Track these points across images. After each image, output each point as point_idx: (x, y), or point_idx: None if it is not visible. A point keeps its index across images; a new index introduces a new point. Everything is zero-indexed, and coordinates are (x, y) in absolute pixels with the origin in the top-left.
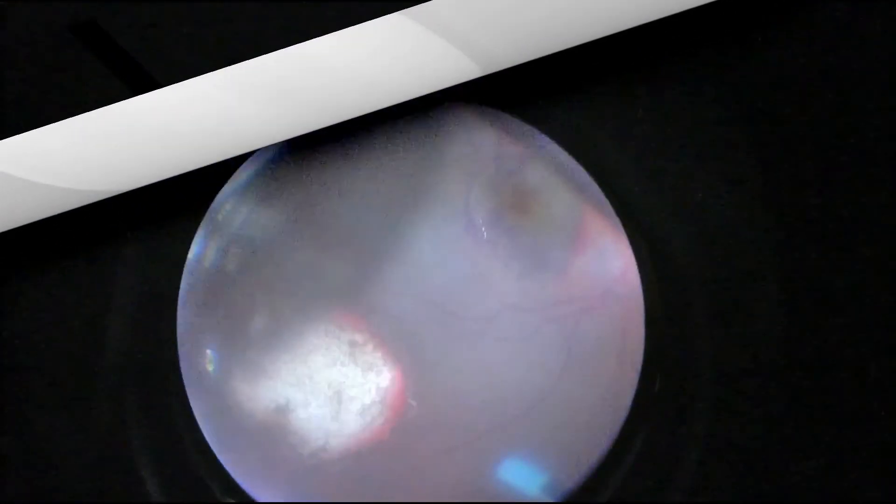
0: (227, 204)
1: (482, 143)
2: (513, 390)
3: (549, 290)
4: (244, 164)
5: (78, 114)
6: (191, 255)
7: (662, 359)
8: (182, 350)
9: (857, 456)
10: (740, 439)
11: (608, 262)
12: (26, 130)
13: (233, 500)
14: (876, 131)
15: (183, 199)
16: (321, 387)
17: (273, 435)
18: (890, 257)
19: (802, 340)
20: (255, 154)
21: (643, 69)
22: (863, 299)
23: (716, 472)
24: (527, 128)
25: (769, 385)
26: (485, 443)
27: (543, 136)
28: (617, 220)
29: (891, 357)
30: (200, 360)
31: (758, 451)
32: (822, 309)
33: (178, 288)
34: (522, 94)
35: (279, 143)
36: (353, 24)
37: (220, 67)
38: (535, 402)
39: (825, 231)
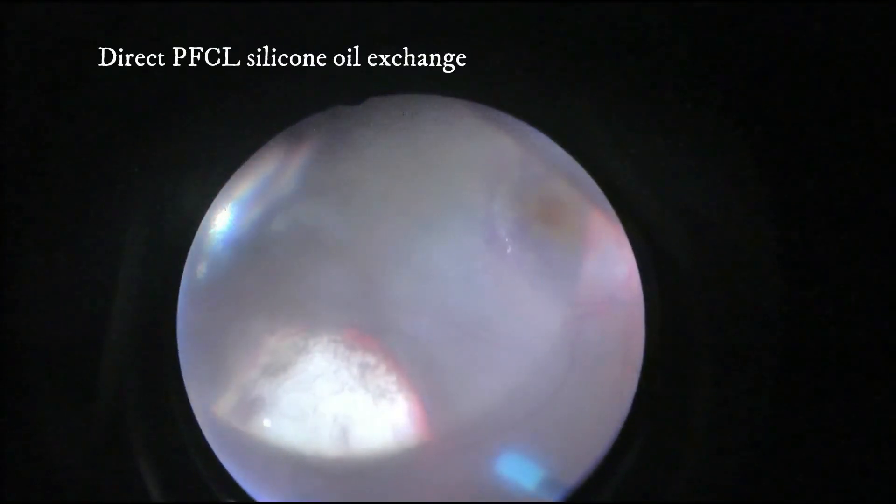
0: (230, 209)
1: (496, 147)
2: (517, 392)
3: (554, 295)
4: (247, 165)
5: None
6: (191, 254)
7: (663, 360)
8: (183, 351)
9: (858, 456)
10: (740, 439)
11: (611, 267)
12: None
13: (233, 500)
14: (876, 129)
15: (183, 200)
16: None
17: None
18: (891, 257)
19: (803, 341)
20: (257, 154)
21: (643, 70)
22: (864, 299)
23: (716, 472)
24: (529, 129)
25: (769, 385)
26: (489, 443)
27: (544, 136)
28: (619, 225)
29: (892, 356)
30: (201, 361)
31: (758, 451)
32: (823, 309)
33: (178, 288)
34: (521, 93)
35: (284, 142)
36: None
37: None
38: (539, 403)
39: (826, 232)
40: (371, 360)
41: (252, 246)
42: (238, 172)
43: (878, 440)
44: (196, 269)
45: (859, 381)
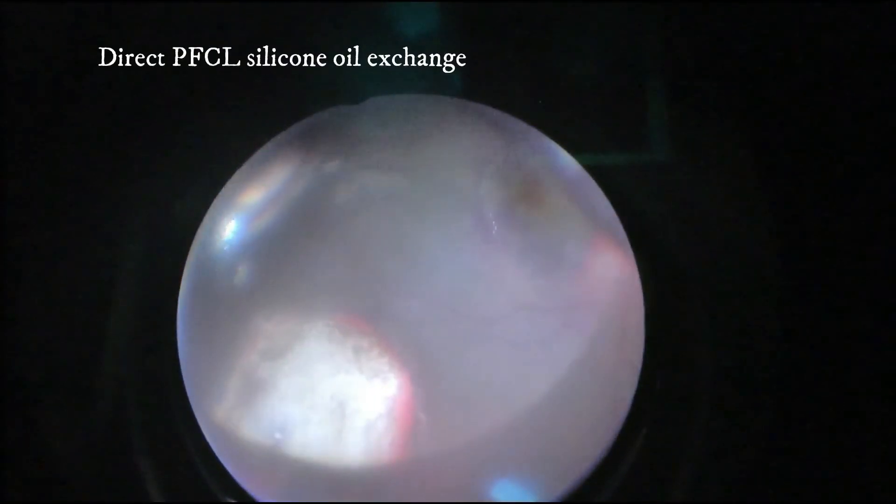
0: (230, 207)
1: (485, 138)
2: (514, 390)
3: (550, 289)
4: (247, 165)
5: None
6: (192, 254)
7: (663, 357)
8: (182, 349)
9: (857, 455)
10: (741, 440)
11: (609, 262)
12: None
13: (233, 500)
14: (875, 131)
15: (183, 199)
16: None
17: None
18: (889, 257)
19: (802, 338)
20: (258, 153)
21: (643, 70)
22: (862, 298)
23: (716, 472)
24: (525, 126)
25: (769, 384)
26: (485, 442)
27: (542, 134)
28: (617, 220)
29: (890, 355)
30: (201, 357)
31: (758, 450)
32: (822, 307)
33: (178, 288)
34: (522, 92)
35: (283, 142)
36: None
37: None
38: (536, 401)
39: (824, 229)
40: (364, 343)
41: (251, 241)
42: (238, 172)
43: (879, 440)
44: (196, 267)
45: (860, 381)
